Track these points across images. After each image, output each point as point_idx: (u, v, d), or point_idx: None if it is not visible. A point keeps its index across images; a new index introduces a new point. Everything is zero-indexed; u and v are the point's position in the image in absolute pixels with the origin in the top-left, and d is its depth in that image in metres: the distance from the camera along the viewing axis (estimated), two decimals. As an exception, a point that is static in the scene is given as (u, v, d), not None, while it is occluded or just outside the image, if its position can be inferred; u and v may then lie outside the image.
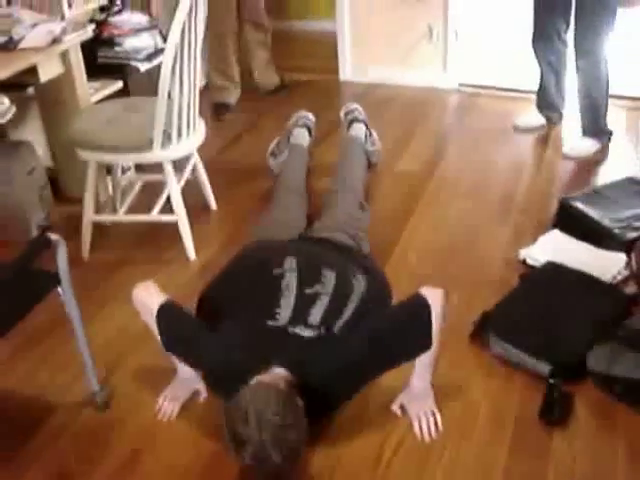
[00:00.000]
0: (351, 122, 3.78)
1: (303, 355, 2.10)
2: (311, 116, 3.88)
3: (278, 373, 2.04)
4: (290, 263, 2.32)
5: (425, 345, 2.13)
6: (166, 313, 2.25)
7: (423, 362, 2.21)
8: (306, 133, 3.75)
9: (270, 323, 2.16)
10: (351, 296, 2.28)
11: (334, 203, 3.08)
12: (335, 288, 2.26)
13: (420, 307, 2.12)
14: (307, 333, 2.14)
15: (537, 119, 4.25)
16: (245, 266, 2.50)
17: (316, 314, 2.18)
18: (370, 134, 3.76)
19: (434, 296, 2.14)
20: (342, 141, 3.81)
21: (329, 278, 2.29)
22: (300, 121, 3.80)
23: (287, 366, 2.06)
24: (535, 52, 4.02)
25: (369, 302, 2.30)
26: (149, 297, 2.29)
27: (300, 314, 2.17)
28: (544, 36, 3.93)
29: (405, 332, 2.14)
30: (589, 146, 3.93)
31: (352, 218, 2.95)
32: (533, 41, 3.99)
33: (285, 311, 2.18)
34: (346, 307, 2.23)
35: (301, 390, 2.02)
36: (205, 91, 4.56)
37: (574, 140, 4.00)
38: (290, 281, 2.26)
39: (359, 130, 3.71)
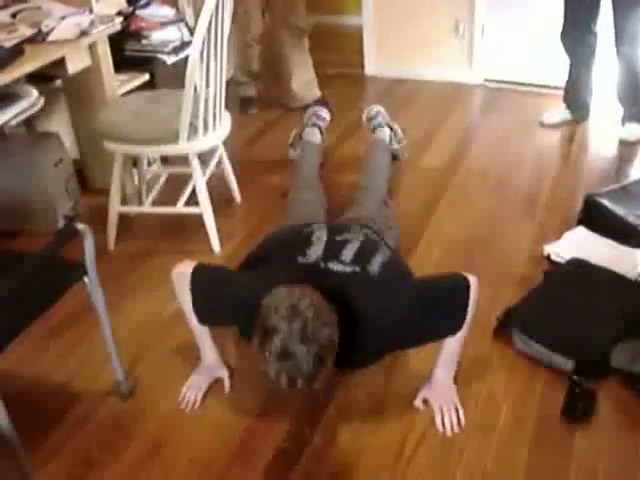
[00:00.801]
0: (374, 129, 3.75)
1: (340, 287, 2.05)
2: (324, 114, 3.85)
3: None
4: (319, 225, 2.36)
5: (458, 323, 2.14)
6: (201, 269, 2.23)
7: (450, 348, 2.22)
8: (317, 131, 3.73)
9: (301, 260, 2.15)
10: (379, 249, 2.27)
11: (358, 201, 3.07)
12: (364, 238, 2.29)
13: (462, 284, 2.14)
14: (341, 268, 2.12)
15: (563, 115, 4.22)
16: (275, 237, 2.51)
17: (348, 254, 2.17)
18: (395, 134, 3.75)
19: (473, 280, 2.16)
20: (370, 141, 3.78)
21: (357, 230, 2.32)
22: (311, 121, 3.79)
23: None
24: (564, 46, 3.98)
25: (393, 271, 2.27)
26: (185, 267, 2.26)
27: (331, 252, 2.16)
28: (574, 29, 3.89)
29: (444, 300, 2.13)
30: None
31: (377, 215, 2.94)
32: (562, 34, 3.95)
33: (316, 250, 2.17)
34: (375, 256, 2.21)
35: None
36: (230, 85, 4.56)
37: (626, 126, 3.99)
38: (320, 234, 2.27)
39: (383, 133, 3.68)
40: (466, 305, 2.12)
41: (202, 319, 2.27)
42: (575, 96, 4.16)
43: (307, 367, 1.81)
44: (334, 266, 2.13)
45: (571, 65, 4.07)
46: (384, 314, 2.05)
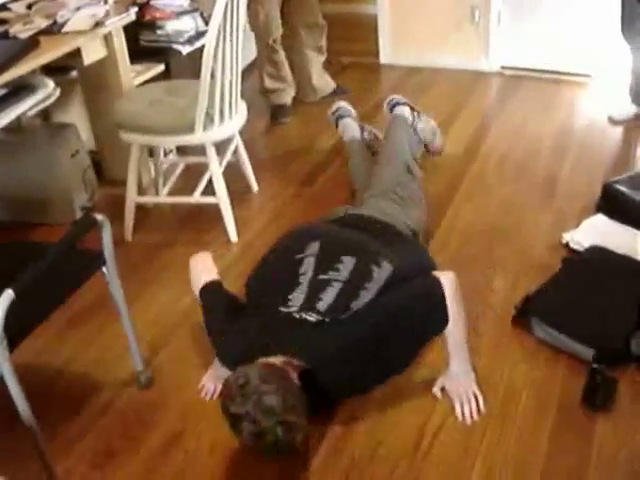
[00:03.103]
0: (394, 106, 3.68)
1: (307, 340, 2.10)
2: (346, 104, 3.80)
3: (280, 357, 2.04)
4: (312, 248, 2.30)
5: (440, 320, 2.13)
6: (207, 293, 2.31)
7: (451, 340, 2.20)
8: (351, 121, 3.68)
9: (282, 309, 2.16)
10: (367, 285, 2.19)
11: (379, 170, 3.06)
12: (350, 276, 2.20)
13: (431, 284, 2.14)
14: (314, 319, 2.12)
15: (630, 110, 4.03)
16: (275, 250, 2.48)
17: (326, 300, 2.14)
18: (418, 114, 3.66)
19: (447, 277, 2.15)
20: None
21: (346, 264, 2.23)
22: (343, 113, 3.74)
23: (288, 351, 2.06)
24: (627, 40, 3.80)
25: (391, 288, 2.23)
26: (200, 271, 2.36)
27: (311, 300, 2.15)
28: (632, 21, 3.70)
29: (416, 308, 2.13)
30: None
31: (398, 182, 2.94)
32: (623, 29, 3.77)
33: (298, 296, 2.16)
34: (359, 296, 2.16)
35: (303, 374, 2.03)
36: (248, 76, 4.53)
37: None
38: (307, 267, 2.23)
39: (402, 110, 3.62)
40: (442, 302, 2.11)
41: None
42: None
43: (283, 438, 1.88)
44: (309, 317, 2.13)
45: (635, 59, 3.86)
46: (349, 347, 2.08)
